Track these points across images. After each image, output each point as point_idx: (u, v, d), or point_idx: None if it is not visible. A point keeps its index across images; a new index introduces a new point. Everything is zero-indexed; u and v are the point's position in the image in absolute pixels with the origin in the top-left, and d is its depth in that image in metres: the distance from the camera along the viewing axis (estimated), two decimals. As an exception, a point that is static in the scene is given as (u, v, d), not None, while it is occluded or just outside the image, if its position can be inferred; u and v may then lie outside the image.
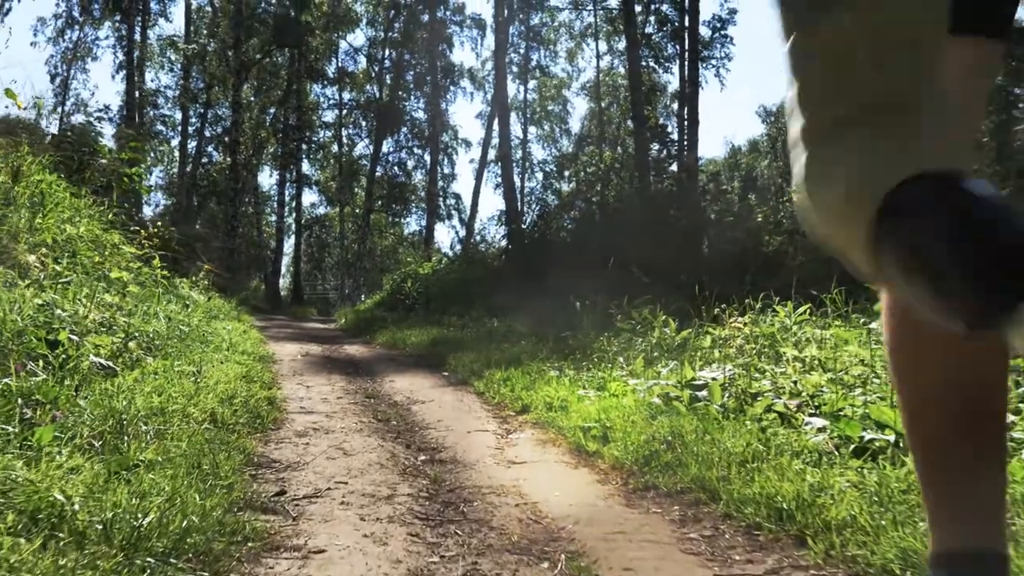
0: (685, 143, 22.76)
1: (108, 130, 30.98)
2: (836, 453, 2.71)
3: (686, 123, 23.58)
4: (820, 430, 2.96)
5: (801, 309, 4.88)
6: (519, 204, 29.88)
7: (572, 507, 2.54)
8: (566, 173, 34.32)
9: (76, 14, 30.48)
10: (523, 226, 15.04)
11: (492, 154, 34.80)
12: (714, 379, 3.92)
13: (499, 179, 37.28)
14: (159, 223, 7.83)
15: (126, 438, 2.43)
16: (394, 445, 3.50)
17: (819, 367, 4.04)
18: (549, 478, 2.98)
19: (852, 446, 2.75)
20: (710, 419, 3.33)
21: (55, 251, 5.75)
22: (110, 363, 3.38)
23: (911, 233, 0.74)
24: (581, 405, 4.12)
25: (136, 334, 4.08)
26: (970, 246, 0.68)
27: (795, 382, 3.76)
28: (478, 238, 32.62)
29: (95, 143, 8.87)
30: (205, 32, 31.00)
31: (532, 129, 37.30)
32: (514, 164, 30.59)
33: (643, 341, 5.57)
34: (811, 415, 3.23)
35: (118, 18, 29.16)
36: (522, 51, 33.55)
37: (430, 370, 6.29)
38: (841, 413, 3.07)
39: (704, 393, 3.86)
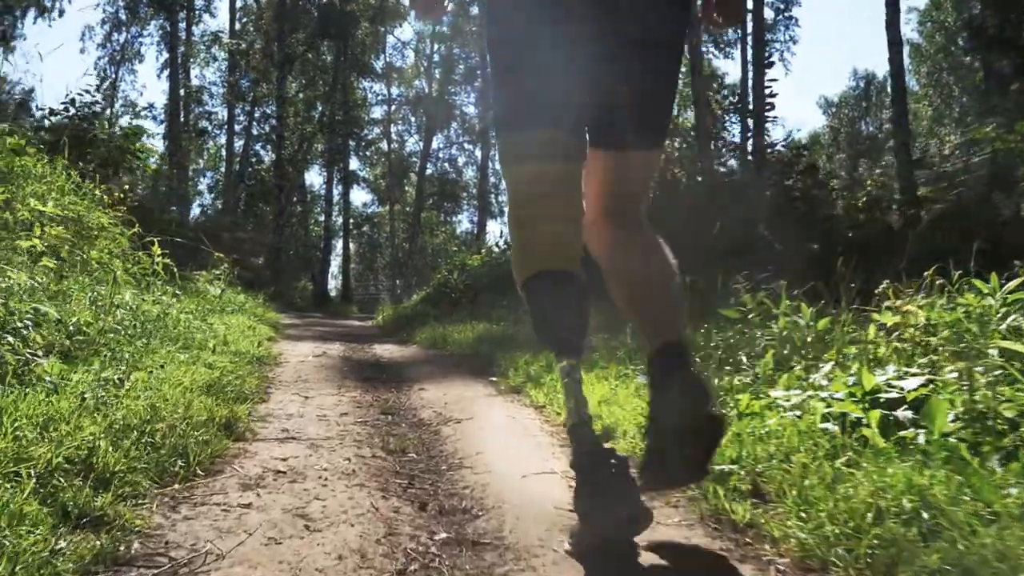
0: (750, 130, 21.03)
1: (152, 127, 30.58)
2: None
3: (750, 107, 21.89)
4: None
5: (1011, 285, 3.32)
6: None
7: None
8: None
9: (122, 16, 30.01)
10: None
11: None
12: (922, 389, 2.43)
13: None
14: (126, 190, 6.55)
15: None
16: (399, 504, 2.09)
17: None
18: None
19: None
20: (969, 470, 1.83)
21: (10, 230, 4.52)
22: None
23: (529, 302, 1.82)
24: (697, 430, 2.67)
25: (28, 323, 2.74)
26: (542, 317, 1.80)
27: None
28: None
29: (93, 118, 7.70)
30: (252, 28, 30.21)
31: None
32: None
33: (762, 334, 4.07)
34: None
35: (163, 17, 28.57)
36: None
37: (473, 375, 4.88)
38: None
39: (909, 414, 2.37)
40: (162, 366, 3.13)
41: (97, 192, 6.06)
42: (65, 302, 3.52)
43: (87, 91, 7.55)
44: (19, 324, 2.63)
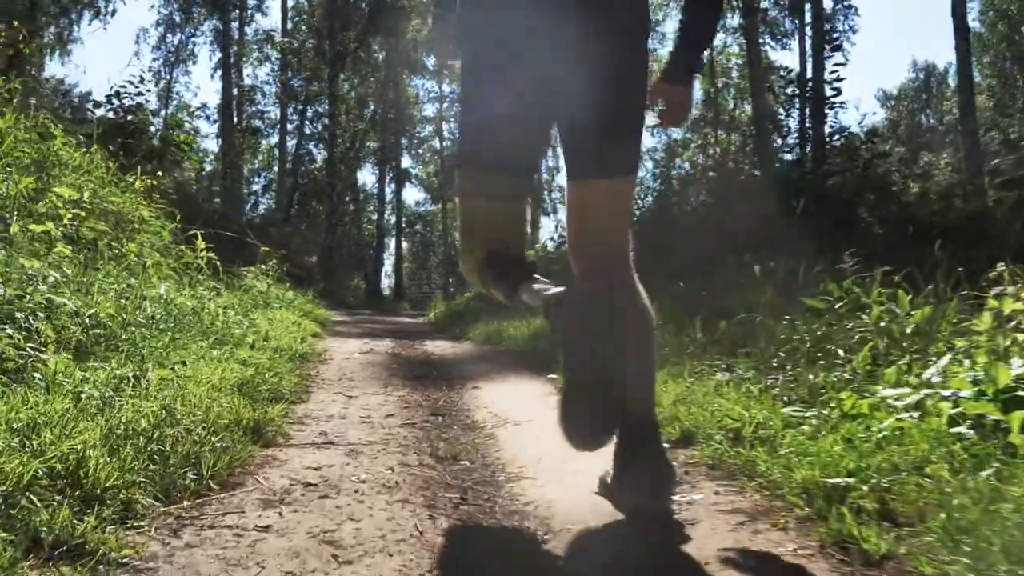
0: (808, 121, 20.22)
1: (205, 127, 30.83)
2: None
3: (808, 98, 21.11)
4: None
5: None
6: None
7: None
8: (677, 160, 32.11)
9: (176, 18, 30.31)
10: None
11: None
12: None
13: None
14: (160, 178, 6.30)
15: None
16: (448, 524, 1.73)
17: None
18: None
19: None
20: None
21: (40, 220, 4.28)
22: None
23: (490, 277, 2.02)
24: (798, 437, 2.26)
25: (37, 314, 2.45)
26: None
27: None
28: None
29: (137, 109, 7.51)
30: (304, 27, 30.27)
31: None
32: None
33: (854, 326, 3.62)
34: None
35: (216, 17, 28.78)
36: None
37: (532, 372, 4.51)
38: None
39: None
40: (183, 363, 2.82)
41: (138, 184, 5.82)
42: (87, 294, 3.24)
43: (130, 82, 7.38)
44: (22, 314, 2.32)
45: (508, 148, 1.87)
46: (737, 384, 3.14)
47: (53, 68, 27.80)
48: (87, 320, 2.76)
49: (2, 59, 6.36)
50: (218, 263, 6.01)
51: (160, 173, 6.23)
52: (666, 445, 2.02)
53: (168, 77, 30.85)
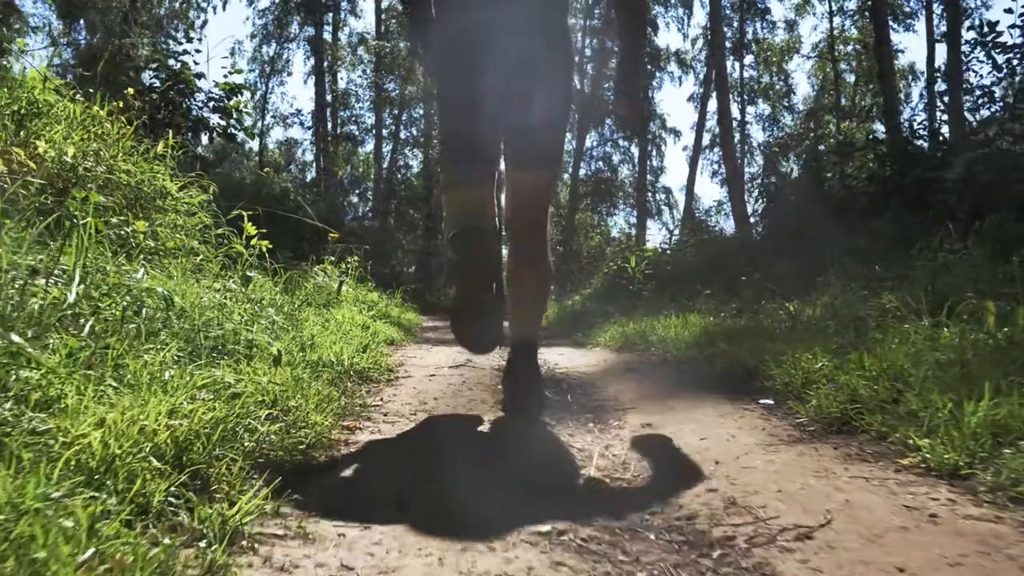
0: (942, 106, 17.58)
1: (299, 134, 30.07)
2: None
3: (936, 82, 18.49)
4: None
5: None
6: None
7: None
8: (791, 156, 29.56)
9: (270, 28, 29.78)
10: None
11: (706, 139, 31.26)
12: None
13: (715, 167, 33.33)
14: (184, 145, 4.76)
15: None
16: None
17: None
18: None
19: None
20: None
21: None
22: None
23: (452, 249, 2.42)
24: None
25: None
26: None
27: None
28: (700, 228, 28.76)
29: (182, 72, 6.09)
30: (397, 30, 29.24)
31: (749, 109, 33.07)
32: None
33: None
34: None
35: (310, 23, 28.10)
36: (735, 24, 29.96)
37: (723, 394, 2.75)
38: None
39: None
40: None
41: (160, 147, 4.38)
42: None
43: (172, 38, 6.00)
44: None
45: (470, 148, 2.48)
46: None
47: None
48: None
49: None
50: (265, 251, 4.45)
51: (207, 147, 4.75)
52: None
53: (264, 88, 30.41)
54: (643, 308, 6.78)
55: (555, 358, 4.12)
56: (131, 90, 4.91)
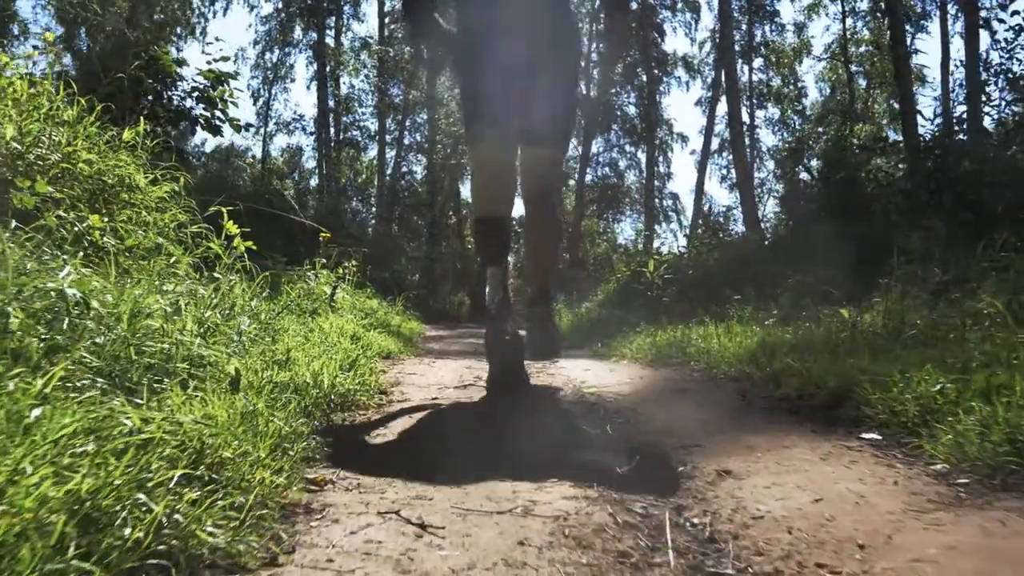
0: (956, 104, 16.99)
1: (302, 140, 29.44)
2: None
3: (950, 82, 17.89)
4: None
5: None
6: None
7: None
8: (804, 160, 28.98)
9: (274, 34, 29.29)
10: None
11: (715, 143, 30.87)
12: None
13: (723, 171, 32.79)
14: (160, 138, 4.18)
15: None
16: None
17: None
18: None
19: None
20: None
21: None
22: None
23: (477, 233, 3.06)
24: None
25: None
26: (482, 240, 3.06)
27: None
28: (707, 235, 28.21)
29: (160, 56, 5.52)
30: (400, 33, 28.72)
31: (759, 113, 32.62)
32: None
33: None
34: None
35: (313, 27, 27.63)
36: (744, 27, 29.60)
37: (819, 427, 2.14)
38: None
39: None
40: None
41: (127, 135, 3.81)
42: None
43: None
44: None
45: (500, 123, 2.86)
46: None
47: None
48: None
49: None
50: (243, 251, 3.85)
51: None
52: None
53: (267, 95, 29.88)
54: (665, 315, 6.18)
55: (580, 374, 3.49)
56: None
